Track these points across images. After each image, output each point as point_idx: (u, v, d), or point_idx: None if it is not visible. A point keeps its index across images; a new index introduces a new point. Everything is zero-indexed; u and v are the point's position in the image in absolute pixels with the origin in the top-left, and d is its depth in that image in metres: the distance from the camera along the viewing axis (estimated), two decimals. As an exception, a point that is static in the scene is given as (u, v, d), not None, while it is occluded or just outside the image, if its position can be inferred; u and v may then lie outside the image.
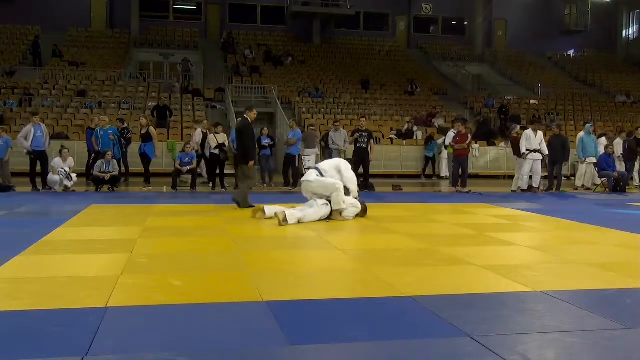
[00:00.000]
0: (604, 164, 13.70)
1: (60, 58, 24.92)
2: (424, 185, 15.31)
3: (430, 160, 17.75)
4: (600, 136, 15.33)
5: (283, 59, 27.27)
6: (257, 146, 12.99)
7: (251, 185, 9.09)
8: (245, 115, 9.12)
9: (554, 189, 12.95)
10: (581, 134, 14.59)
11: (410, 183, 13.77)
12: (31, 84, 21.52)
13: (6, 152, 11.64)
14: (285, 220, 6.81)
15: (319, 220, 7.14)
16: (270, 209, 7.26)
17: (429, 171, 17.87)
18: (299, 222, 6.92)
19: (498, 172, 18.47)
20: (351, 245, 5.94)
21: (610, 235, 6.54)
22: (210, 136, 12.72)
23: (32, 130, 11.65)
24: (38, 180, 11.68)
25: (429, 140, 17.91)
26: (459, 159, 12.93)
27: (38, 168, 11.76)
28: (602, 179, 13.80)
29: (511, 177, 13.87)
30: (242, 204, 8.49)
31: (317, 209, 7.20)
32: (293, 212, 6.98)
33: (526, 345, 2.88)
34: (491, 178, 18.04)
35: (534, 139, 12.77)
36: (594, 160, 14.04)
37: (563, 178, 13.19)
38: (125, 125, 14.20)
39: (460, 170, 12.83)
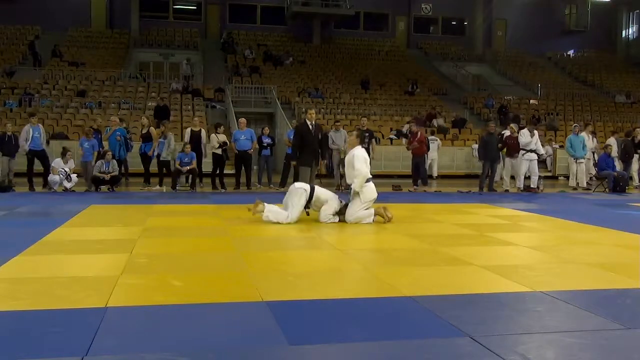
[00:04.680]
0: (603, 163, 13.71)
1: (60, 58, 24.94)
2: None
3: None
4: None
5: (283, 59, 27.27)
6: (259, 146, 13.10)
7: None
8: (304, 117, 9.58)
9: (487, 189, 12.96)
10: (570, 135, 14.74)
11: (410, 183, 13.75)
12: (31, 84, 21.53)
13: None
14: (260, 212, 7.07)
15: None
16: (268, 210, 7.22)
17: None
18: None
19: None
20: (351, 245, 5.94)
21: (610, 235, 6.53)
22: (212, 136, 12.74)
23: (31, 131, 11.69)
24: (38, 180, 11.70)
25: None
26: (414, 158, 13.30)
27: (37, 168, 11.79)
28: (600, 179, 13.86)
29: (510, 177, 13.80)
30: None
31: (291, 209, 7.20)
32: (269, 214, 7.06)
33: (526, 346, 2.88)
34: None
35: (530, 139, 12.80)
36: (582, 160, 14.11)
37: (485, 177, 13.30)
38: (125, 125, 14.20)
39: (421, 170, 13.21)
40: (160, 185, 12.21)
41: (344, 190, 12.47)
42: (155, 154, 12.41)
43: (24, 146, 11.66)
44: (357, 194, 7.23)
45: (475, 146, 18.47)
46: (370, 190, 7.30)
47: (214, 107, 21.72)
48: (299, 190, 7.19)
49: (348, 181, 7.43)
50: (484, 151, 12.97)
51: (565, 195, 12.62)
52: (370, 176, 7.39)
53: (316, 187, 7.41)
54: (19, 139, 11.83)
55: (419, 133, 13.37)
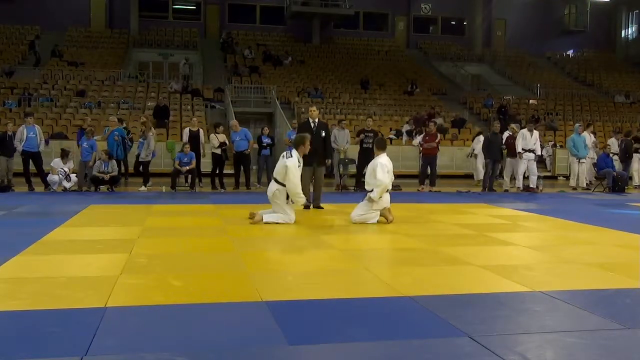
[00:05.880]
0: (602, 163, 13.73)
1: (59, 58, 24.93)
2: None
3: None
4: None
5: (282, 58, 27.27)
6: (259, 146, 13.11)
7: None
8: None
9: (487, 189, 12.97)
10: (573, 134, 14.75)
11: (409, 183, 13.75)
12: (30, 84, 21.51)
13: None
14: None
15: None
16: (268, 217, 7.23)
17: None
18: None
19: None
20: (350, 245, 5.94)
21: (610, 235, 6.54)
22: (212, 135, 12.76)
23: (25, 131, 11.64)
24: (37, 180, 11.68)
25: None
26: (428, 158, 13.23)
27: (32, 168, 11.78)
28: (599, 179, 13.89)
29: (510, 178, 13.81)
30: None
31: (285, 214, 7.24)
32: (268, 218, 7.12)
33: (525, 345, 2.88)
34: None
35: (529, 139, 12.81)
36: (584, 160, 14.14)
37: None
38: (125, 125, 14.18)
39: (429, 170, 13.20)
40: (163, 185, 12.23)
41: (344, 191, 12.49)
42: (136, 154, 12.46)
43: (17, 147, 11.63)
44: (370, 199, 7.26)
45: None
46: (384, 200, 7.35)
47: (213, 107, 21.71)
48: (274, 193, 7.21)
49: (367, 188, 7.44)
50: (488, 151, 12.97)
51: (565, 195, 12.62)
52: (390, 188, 7.44)
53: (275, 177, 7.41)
54: (14, 142, 11.81)
55: (438, 135, 13.39)
